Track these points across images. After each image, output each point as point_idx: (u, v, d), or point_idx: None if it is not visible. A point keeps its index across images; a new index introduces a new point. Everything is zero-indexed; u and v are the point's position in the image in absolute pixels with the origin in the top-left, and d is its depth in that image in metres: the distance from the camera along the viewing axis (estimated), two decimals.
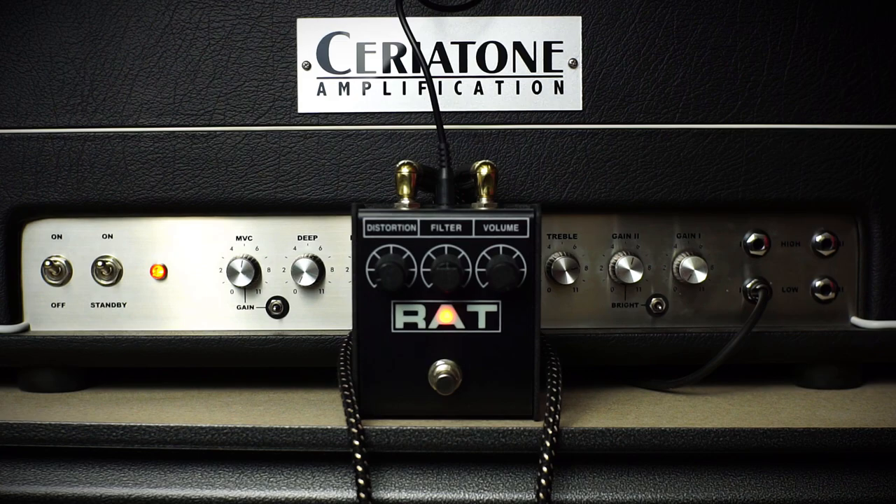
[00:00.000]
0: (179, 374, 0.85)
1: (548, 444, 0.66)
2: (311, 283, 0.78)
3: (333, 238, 0.79)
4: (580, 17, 0.77)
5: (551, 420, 0.67)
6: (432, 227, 0.67)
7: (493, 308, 0.68)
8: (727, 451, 0.68)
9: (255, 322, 0.80)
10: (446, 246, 0.67)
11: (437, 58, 0.78)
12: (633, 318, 0.80)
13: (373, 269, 0.67)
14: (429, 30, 0.78)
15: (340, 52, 0.78)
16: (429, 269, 0.67)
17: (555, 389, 0.69)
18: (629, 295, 0.80)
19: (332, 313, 0.80)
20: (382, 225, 0.67)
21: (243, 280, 0.78)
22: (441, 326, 0.68)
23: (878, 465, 0.69)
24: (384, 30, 0.78)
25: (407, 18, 0.75)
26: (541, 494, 0.65)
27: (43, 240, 0.80)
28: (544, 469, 0.65)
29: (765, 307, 0.78)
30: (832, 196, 0.78)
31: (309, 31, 0.77)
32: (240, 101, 0.78)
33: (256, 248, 0.79)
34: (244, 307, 0.80)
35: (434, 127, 0.74)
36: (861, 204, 0.78)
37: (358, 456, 0.65)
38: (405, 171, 0.70)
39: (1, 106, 0.78)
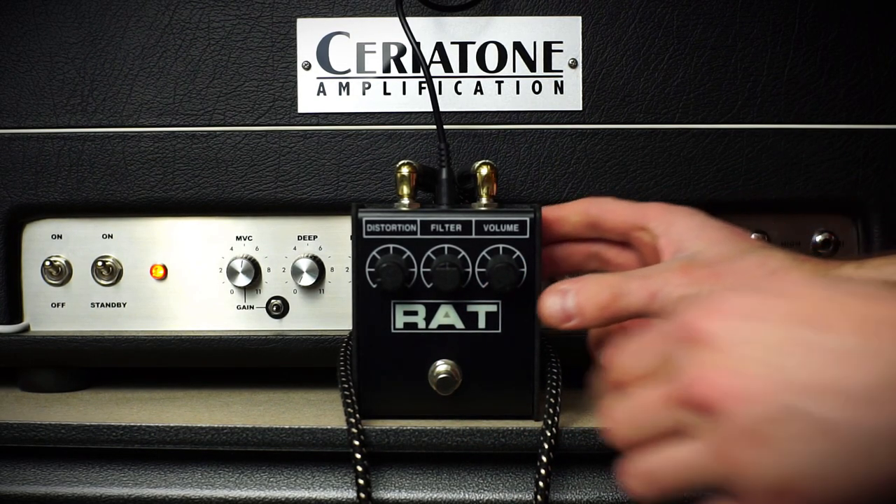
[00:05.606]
0: (179, 374, 0.85)
1: (546, 445, 0.66)
2: (311, 283, 0.78)
3: (333, 238, 0.79)
4: (580, 17, 0.77)
5: (550, 421, 0.67)
6: (432, 227, 0.67)
7: (493, 308, 0.68)
8: None
9: (255, 322, 0.80)
10: (446, 246, 0.67)
11: (437, 58, 0.78)
12: None
13: (373, 269, 0.67)
14: (429, 30, 0.78)
15: (340, 52, 0.78)
16: (429, 269, 0.67)
17: (554, 390, 0.69)
18: None
19: (332, 313, 0.79)
20: (382, 225, 0.67)
21: (243, 280, 0.78)
22: (441, 326, 0.68)
23: None
24: (384, 30, 0.78)
25: (407, 18, 0.75)
26: (539, 497, 0.65)
27: (43, 240, 0.80)
28: (542, 471, 0.65)
29: None
30: (832, 196, 0.78)
31: (309, 31, 0.77)
32: (240, 101, 0.78)
33: (256, 248, 0.79)
34: (244, 307, 0.80)
35: (434, 127, 0.74)
36: (861, 204, 0.78)
37: (358, 456, 0.65)
38: (405, 171, 0.70)
39: (1, 106, 0.78)
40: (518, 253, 0.67)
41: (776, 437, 0.45)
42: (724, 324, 0.48)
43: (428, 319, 0.68)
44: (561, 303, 0.62)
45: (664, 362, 0.51)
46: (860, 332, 0.45)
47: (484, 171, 0.70)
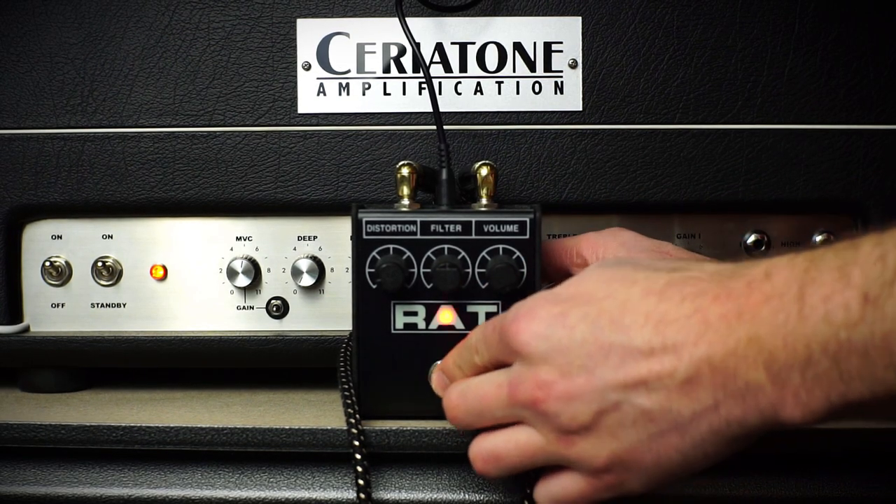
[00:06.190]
0: (179, 374, 0.85)
1: None
2: (311, 283, 0.78)
3: (333, 238, 0.79)
4: (580, 18, 0.77)
5: None
6: (432, 227, 0.67)
7: (493, 308, 0.68)
8: None
9: (255, 322, 0.80)
10: (446, 246, 0.67)
11: (436, 58, 0.78)
12: None
13: (373, 270, 0.67)
14: (429, 30, 0.78)
15: (340, 52, 0.78)
16: (429, 270, 0.67)
17: None
18: None
19: (332, 313, 0.80)
20: (382, 225, 0.67)
21: (243, 280, 0.78)
22: (441, 327, 0.68)
23: (878, 465, 0.69)
24: (384, 30, 0.78)
25: (407, 19, 0.75)
26: (528, 489, 0.65)
27: (43, 240, 0.80)
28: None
29: None
30: (832, 196, 0.78)
31: (309, 32, 0.77)
32: (240, 101, 0.78)
33: (256, 249, 0.79)
34: (244, 307, 0.80)
35: (434, 127, 0.74)
36: (861, 204, 0.78)
37: (358, 456, 0.65)
38: (405, 171, 0.70)
39: (1, 106, 0.78)
40: (518, 253, 0.67)
41: (605, 425, 0.54)
42: (534, 332, 0.56)
43: (428, 320, 0.68)
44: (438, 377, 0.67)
45: (499, 355, 0.59)
46: (648, 330, 0.53)
47: (484, 171, 0.70)
